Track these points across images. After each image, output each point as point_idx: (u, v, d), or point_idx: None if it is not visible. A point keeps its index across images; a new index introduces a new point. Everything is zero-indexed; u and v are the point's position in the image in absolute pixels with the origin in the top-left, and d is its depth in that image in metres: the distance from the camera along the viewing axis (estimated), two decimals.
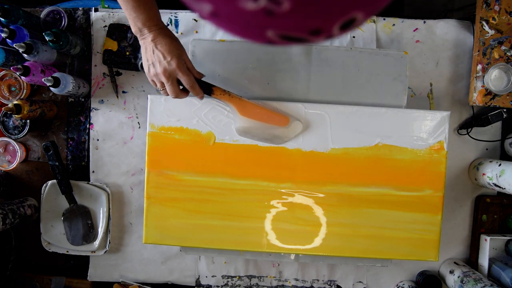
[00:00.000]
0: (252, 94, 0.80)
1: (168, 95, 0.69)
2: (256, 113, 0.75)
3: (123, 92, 0.91)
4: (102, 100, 0.92)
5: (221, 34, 0.90)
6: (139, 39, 0.67)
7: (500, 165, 0.81)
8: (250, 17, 0.26)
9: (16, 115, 0.81)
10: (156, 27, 0.65)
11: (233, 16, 0.26)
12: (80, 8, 0.92)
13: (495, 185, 0.81)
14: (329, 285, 0.92)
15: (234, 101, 0.74)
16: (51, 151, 0.85)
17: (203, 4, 0.26)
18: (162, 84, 0.67)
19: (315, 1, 0.24)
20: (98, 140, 0.92)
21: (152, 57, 0.65)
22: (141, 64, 0.69)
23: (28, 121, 0.90)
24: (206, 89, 0.72)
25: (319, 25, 0.27)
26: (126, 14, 0.64)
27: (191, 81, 0.67)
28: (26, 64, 0.80)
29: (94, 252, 0.90)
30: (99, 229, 0.90)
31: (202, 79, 0.72)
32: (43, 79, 0.78)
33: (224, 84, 0.80)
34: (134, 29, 0.66)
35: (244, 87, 0.80)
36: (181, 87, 0.69)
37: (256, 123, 0.75)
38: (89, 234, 0.90)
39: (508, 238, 0.87)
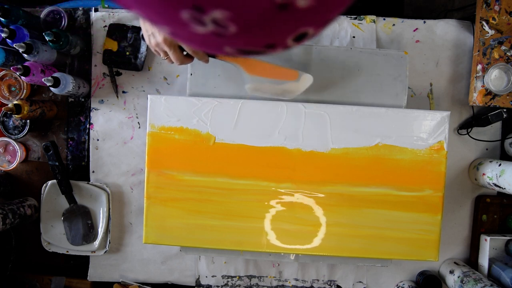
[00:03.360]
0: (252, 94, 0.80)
1: (173, 63, 0.67)
2: (263, 70, 0.73)
3: (123, 92, 0.91)
4: (102, 100, 0.92)
5: None
6: None
7: (500, 165, 0.81)
8: (204, 38, 0.27)
9: (16, 115, 0.81)
10: None
11: (189, 36, 0.28)
12: (80, 8, 0.92)
13: (495, 185, 0.81)
14: (329, 285, 0.92)
15: (239, 61, 0.72)
16: (51, 151, 0.85)
17: (161, 27, 0.28)
18: (166, 53, 0.66)
19: (260, 25, 0.25)
20: (98, 140, 0.92)
21: (151, 27, 0.63)
22: (142, 35, 0.67)
23: (28, 121, 0.90)
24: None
25: (271, 41, 0.28)
26: None
27: None
28: (26, 64, 0.80)
29: (94, 252, 0.90)
30: (99, 229, 0.90)
31: None
32: (43, 79, 0.78)
33: (224, 84, 0.80)
34: None
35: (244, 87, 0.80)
36: (184, 53, 0.67)
37: (265, 80, 0.73)
38: (89, 234, 0.90)
39: (508, 238, 0.87)
